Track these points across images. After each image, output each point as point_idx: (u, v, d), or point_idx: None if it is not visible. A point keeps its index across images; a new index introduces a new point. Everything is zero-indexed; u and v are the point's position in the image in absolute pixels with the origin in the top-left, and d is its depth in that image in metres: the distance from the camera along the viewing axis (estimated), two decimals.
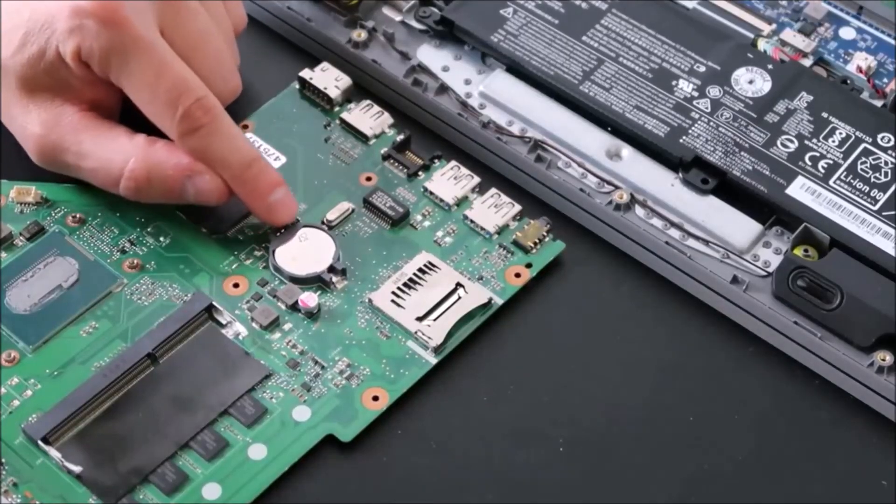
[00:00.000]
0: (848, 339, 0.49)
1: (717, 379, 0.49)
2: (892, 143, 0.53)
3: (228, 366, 0.48)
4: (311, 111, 0.55)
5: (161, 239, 0.51)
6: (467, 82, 0.55)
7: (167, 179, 0.49)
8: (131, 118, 0.50)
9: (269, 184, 0.50)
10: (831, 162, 0.52)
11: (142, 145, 0.49)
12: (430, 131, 0.55)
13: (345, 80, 0.55)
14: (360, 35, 0.56)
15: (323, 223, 0.52)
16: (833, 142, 0.53)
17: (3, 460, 0.45)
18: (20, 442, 0.46)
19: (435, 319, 0.49)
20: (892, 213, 0.51)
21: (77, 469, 0.45)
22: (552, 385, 0.49)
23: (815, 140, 0.53)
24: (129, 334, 0.49)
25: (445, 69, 0.56)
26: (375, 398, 0.48)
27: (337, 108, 0.55)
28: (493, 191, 0.53)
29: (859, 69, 0.56)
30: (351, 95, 0.55)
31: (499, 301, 0.50)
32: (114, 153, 0.49)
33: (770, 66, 0.55)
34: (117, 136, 0.50)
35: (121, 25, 0.47)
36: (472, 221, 0.52)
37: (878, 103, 0.55)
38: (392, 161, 0.54)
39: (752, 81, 0.54)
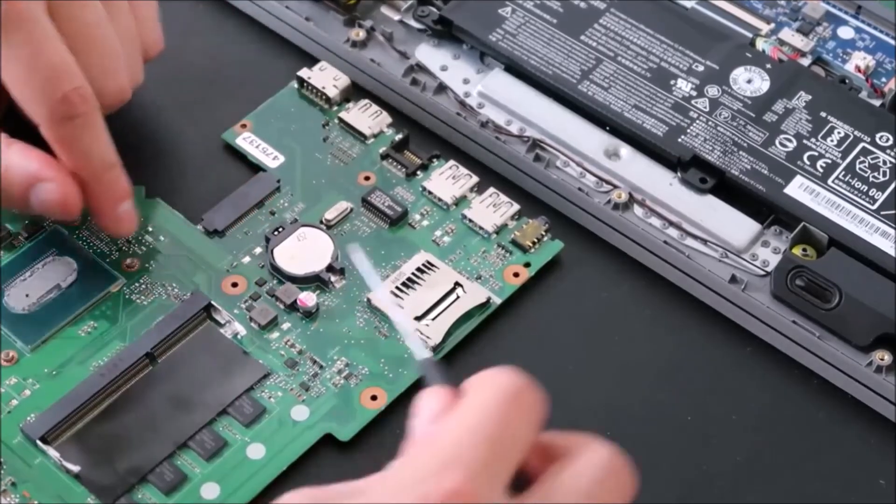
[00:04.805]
0: (846, 339, 0.49)
1: (715, 378, 0.49)
2: (890, 142, 0.53)
3: (227, 365, 0.48)
4: (309, 110, 0.55)
5: (160, 238, 0.51)
6: (466, 81, 0.55)
7: (12, 184, 0.47)
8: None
9: (123, 191, 0.49)
10: (830, 161, 0.52)
11: None
12: (428, 131, 0.55)
13: (343, 80, 0.55)
14: (358, 34, 0.56)
15: (321, 222, 0.52)
16: (831, 141, 0.53)
17: (2, 460, 0.45)
18: (18, 441, 0.46)
19: (433, 319, 0.49)
20: (891, 212, 0.51)
21: (75, 468, 0.45)
22: (550, 384, 0.49)
23: (813, 139, 0.53)
24: (127, 334, 0.49)
25: (444, 68, 0.56)
26: (374, 397, 0.48)
27: (335, 108, 0.55)
28: (492, 190, 0.53)
29: (858, 68, 0.56)
30: (349, 95, 0.55)
31: (497, 300, 0.50)
32: None
33: (768, 66, 0.55)
34: None
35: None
36: (470, 221, 0.52)
37: (877, 103, 0.55)
38: (390, 160, 0.54)
39: (750, 81, 0.54)
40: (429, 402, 0.39)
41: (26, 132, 0.48)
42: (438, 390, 0.39)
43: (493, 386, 0.38)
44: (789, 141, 0.53)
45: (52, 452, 0.45)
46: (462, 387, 0.39)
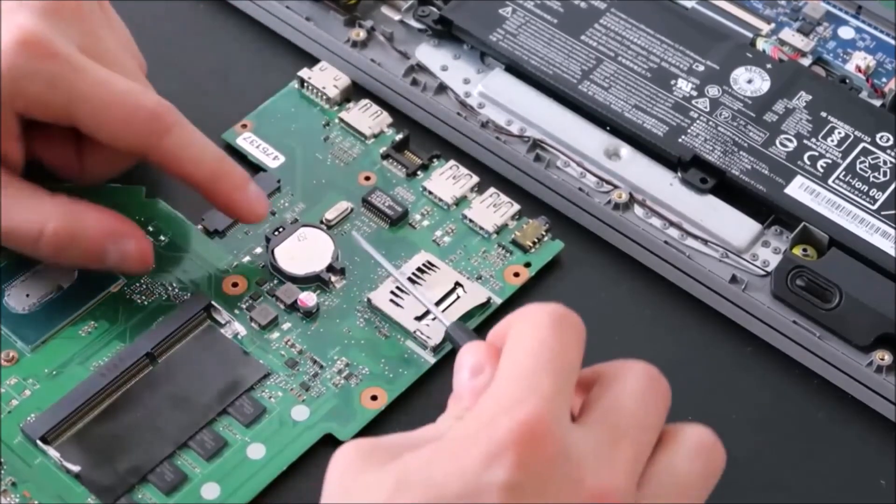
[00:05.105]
0: (847, 339, 0.49)
1: (715, 378, 0.49)
2: (890, 142, 0.53)
3: (227, 365, 0.48)
4: (309, 110, 0.55)
5: (160, 238, 0.51)
6: (466, 81, 0.55)
7: (90, 240, 0.47)
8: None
9: (243, 175, 0.49)
10: (830, 161, 0.52)
11: (65, 203, 0.47)
12: (428, 131, 0.55)
13: (343, 80, 0.55)
14: (358, 34, 0.56)
15: (322, 223, 0.52)
16: (832, 141, 0.53)
17: (2, 460, 0.45)
18: (19, 441, 0.46)
19: (433, 319, 0.49)
20: (891, 212, 0.51)
21: (75, 468, 0.45)
22: None
23: (813, 139, 0.53)
24: (127, 334, 0.49)
25: (444, 68, 0.56)
26: (374, 397, 0.48)
27: (336, 108, 0.55)
28: (492, 190, 0.53)
29: (858, 68, 0.56)
30: (350, 95, 0.55)
31: (497, 300, 0.50)
32: (32, 212, 0.47)
33: (769, 66, 0.55)
34: (36, 194, 0.47)
35: (53, 56, 0.45)
36: (470, 221, 0.52)
37: (877, 103, 0.55)
38: (391, 160, 0.54)
39: (750, 81, 0.54)
40: (468, 357, 0.40)
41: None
42: (478, 344, 0.40)
43: (537, 317, 0.39)
44: (790, 141, 0.53)
45: (52, 452, 0.45)
46: (497, 330, 0.40)
